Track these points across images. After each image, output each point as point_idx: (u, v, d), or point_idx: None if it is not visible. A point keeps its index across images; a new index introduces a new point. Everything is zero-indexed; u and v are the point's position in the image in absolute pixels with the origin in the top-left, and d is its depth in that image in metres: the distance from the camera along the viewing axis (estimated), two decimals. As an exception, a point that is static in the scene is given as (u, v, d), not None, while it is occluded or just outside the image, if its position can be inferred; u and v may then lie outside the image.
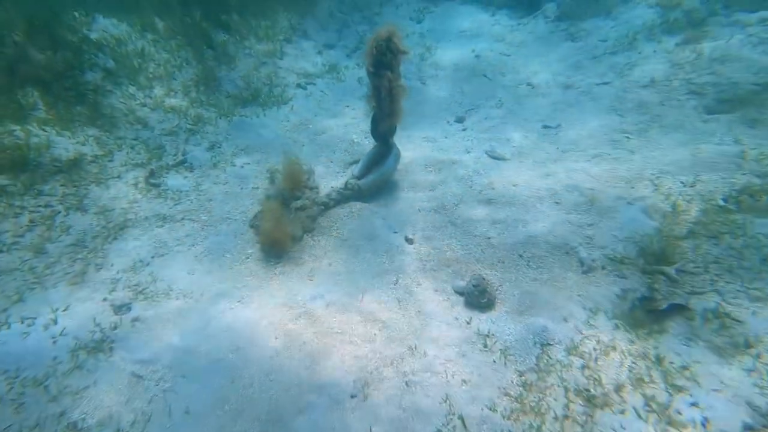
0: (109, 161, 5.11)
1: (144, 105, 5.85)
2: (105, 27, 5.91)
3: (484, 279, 3.95)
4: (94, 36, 5.76)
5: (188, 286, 4.23)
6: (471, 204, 5.17)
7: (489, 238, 4.63)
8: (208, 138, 6.23)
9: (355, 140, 6.52)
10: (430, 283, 4.28)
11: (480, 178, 5.57)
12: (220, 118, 6.57)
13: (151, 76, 6.12)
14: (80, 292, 3.83)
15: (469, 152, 6.14)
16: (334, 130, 6.77)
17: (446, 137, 6.56)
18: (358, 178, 5.44)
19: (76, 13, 5.59)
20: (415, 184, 5.66)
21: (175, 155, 5.71)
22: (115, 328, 3.57)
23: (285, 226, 4.63)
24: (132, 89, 5.84)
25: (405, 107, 7.14)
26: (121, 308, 3.74)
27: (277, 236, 4.55)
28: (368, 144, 6.39)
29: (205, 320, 3.91)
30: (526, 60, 8.25)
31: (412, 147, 6.35)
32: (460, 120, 6.94)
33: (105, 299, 3.82)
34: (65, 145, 4.74)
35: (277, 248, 4.61)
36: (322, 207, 5.23)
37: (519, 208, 4.96)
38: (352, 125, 6.87)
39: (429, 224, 4.98)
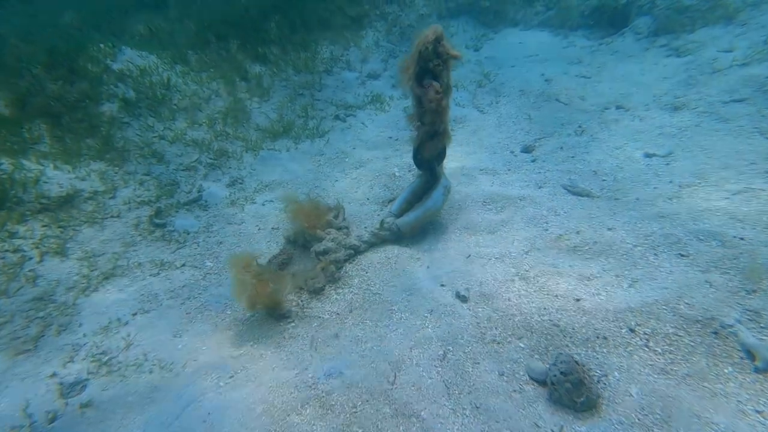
0: (110, 198, 4.72)
1: (162, 138, 5.57)
2: (131, 58, 5.92)
3: (577, 363, 2.72)
4: (116, 67, 5.71)
5: (170, 353, 3.45)
6: (547, 252, 4.01)
7: (578, 300, 3.41)
8: (230, 173, 5.77)
9: (397, 174, 5.72)
10: (493, 363, 3.11)
11: (558, 220, 4.43)
12: (247, 152, 6.15)
13: (175, 107, 5.92)
14: (24, 365, 3.18)
15: (541, 187, 5.05)
16: (372, 162, 6.06)
17: (510, 170, 5.55)
18: (396, 215, 4.55)
19: (102, 45, 5.58)
20: (471, 224, 4.64)
21: (188, 192, 5.24)
22: (53, 420, 2.79)
23: (266, 288, 3.70)
24: (151, 121, 5.60)
25: (459, 137, 6.46)
26: (73, 387, 3.01)
27: (263, 301, 3.67)
28: (411, 177, 5.55)
29: (180, 405, 3.05)
30: (613, 82, 7.24)
31: (466, 181, 5.41)
32: (527, 149, 5.94)
33: (54, 375, 3.13)
34: (60, 180, 4.42)
35: (274, 311, 3.75)
36: (351, 251, 4.36)
37: (622, 261, 3.73)
38: (394, 157, 6.12)
39: (490, 277, 3.88)
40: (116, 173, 4.94)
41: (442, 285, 3.89)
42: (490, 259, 4.12)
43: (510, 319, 3.40)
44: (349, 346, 3.44)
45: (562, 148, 5.82)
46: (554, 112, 6.77)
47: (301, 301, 3.98)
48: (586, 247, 3.91)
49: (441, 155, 4.62)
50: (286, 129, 6.63)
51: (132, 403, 3.02)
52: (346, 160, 6.20)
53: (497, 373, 3.02)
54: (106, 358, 3.28)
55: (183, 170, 5.49)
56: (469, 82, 7.78)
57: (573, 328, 3.15)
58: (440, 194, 4.51)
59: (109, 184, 4.79)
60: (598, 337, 3.04)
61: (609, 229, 4.08)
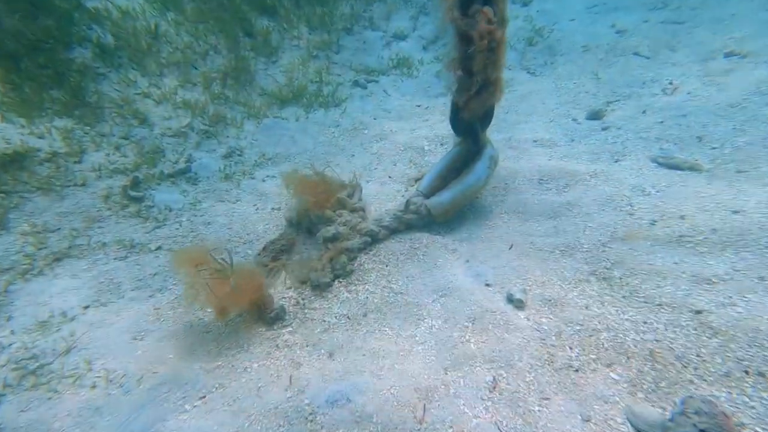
0: (75, 162, 4.00)
1: (147, 96, 4.83)
2: (112, -3, 5.13)
3: (726, 415, 1.77)
4: (91, 5, 4.96)
5: (123, 362, 2.68)
6: (636, 244, 3.05)
7: (699, 312, 2.44)
8: (228, 143, 4.99)
9: (426, 148, 4.82)
10: (571, 402, 2.20)
11: (648, 201, 3.45)
12: (248, 119, 5.36)
13: (164, 62, 5.15)
14: None
15: (618, 160, 4.06)
16: (397, 135, 5.16)
17: (573, 140, 4.56)
18: (426, 195, 3.65)
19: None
20: (523, 207, 3.72)
21: (175, 162, 4.48)
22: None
23: (225, 287, 2.86)
24: (133, 74, 4.86)
25: (504, 104, 5.44)
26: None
27: (237, 304, 2.86)
28: (444, 152, 4.65)
29: (122, 438, 2.27)
30: (717, 24, 6.09)
31: (515, 155, 4.46)
32: (595, 115, 4.91)
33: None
34: (9, 135, 3.68)
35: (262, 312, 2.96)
36: (367, 238, 3.51)
37: (760, 256, 2.72)
38: (423, 128, 5.22)
39: (555, 276, 2.96)
40: (86, 133, 4.21)
41: (488, 284, 2.98)
42: (552, 252, 3.18)
43: (591, 335, 2.47)
44: (360, 362, 2.60)
45: (645, 111, 4.75)
46: (631, 68, 5.67)
47: (303, 299, 3.16)
48: (700, 238, 2.92)
49: (488, 116, 3.70)
50: (296, 95, 5.80)
51: (59, 431, 2.25)
52: (365, 132, 5.32)
53: (579, 417, 2.11)
54: (35, 365, 2.54)
55: (171, 136, 4.73)
56: (517, 41, 6.73)
57: (699, 355, 2.20)
58: (484, 167, 3.58)
59: (76, 146, 4.06)
60: (747, 372, 2.08)
61: (735, 212, 3.07)
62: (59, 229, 3.50)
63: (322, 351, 2.73)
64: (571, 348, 2.44)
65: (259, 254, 3.54)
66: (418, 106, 5.69)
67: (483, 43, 3.00)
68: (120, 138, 4.39)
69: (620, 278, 2.81)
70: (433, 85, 6.13)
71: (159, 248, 3.66)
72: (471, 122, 3.54)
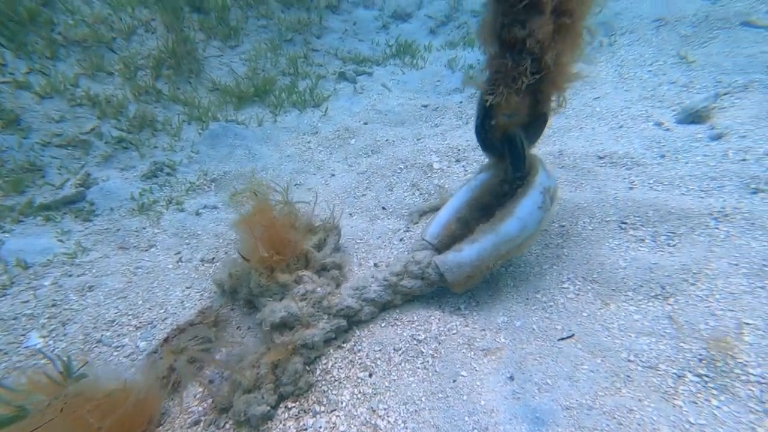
0: None
1: (22, 85, 3.63)
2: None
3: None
4: None
5: None
6: None
7: None
8: (153, 157, 3.80)
9: (436, 166, 3.59)
10: None
11: None
12: (189, 122, 4.18)
13: (60, 38, 3.97)
14: None
15: (759, 191, 2.80)
16: (395, 146, 3.96)
17: (664, 155, 3.31)
18: (436, 248, 2.45)
19: None
20: (600, 271, 2.46)
21: (59, 186, 3.29)
22: None
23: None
24: (4, 55, 3.68)
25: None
26: None
27: None
28: (463, 173, 3.45)
29: None
30: None
31: (571, 177, 3.23)
32: (694, 117, 3.60)
33: None
34: None
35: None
36: (341, 321, 2.30)
37: None
38: (432, 138, 4.01)
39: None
40: None
41: None
42: (682, 377, 1.91)
43: None
44: None
45: None
46: (741, 45, 4.38)
47: (216, 448, 1.92)
48: None
49: (539, 123, 2.46)
50: (260, 91, 4.62)
51: None
52: (352, 141, 4.11)
53: None
54: None
55: (59, 146, 3.53)
56: None
57: None
58: (534, 205, 2.30)
59: None
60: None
61: None
62: None
63: None
64: None
65: (156, 350, 2.31)
66: (425, 106, 4.47)
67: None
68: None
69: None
70: (445, 79, 4.93)
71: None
72: (511, 133, 2.33)
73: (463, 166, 3.56)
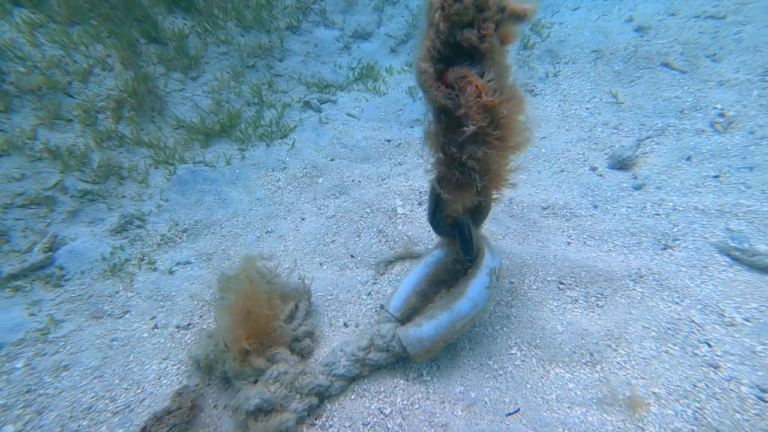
0: None
1: None
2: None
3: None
4: None
5: None
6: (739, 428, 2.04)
7: None
8: (122, 208, 3.65)
9: (400, 211, 3.63)
10: None
11: (738, 341, 2.44)
12: (156, 167, 4.00)
13: (12, 88, 3.67)
14: None
15: (668, 247, 3.00)
16: (362, 187, 3.95)
17: (596, 206, 3.47)
18: (399, 319, 2.54)
19: None
20: (541, 337, 2.62)
21: (26, 251, 3.14)
22: None
23: None
24: None
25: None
26: None
27: None
28: (421, 215, 3.51)
29: None
30: None
31: (518, 228, 3.35)
32: (622, 163, 3.80)
33: None
34: None
35: None
36: (313, 400, 2.36)
37: None
38: (395, 178, 4.02)
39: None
40: None
41: None
42: (604, 446, 2.11)
43: None
44: None
45: (690, 158, 3.69)
46: (661, 87, 4.50)
47: None
48: None
49: (482, 212, 2.55)
50: (226, 126, 4.44)
51: None
52: (320, 181, 4.06)
53: None
54: None
55: (22, 206, 3.34)
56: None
57: None
58: (482, 286, 2.42)
59: None
60: None
61: None
62: None
63: None
64: None
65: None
66: (388, 141, 4.44)
67: (471, 125, 1.82)
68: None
69: None
70: (406, 107, 4.88)
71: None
72: (459, 222, 2.41)
73: (425, 209, 3.61)
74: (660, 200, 3.35)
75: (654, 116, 4.22)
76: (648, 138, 3.99)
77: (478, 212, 2.49)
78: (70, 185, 3.57)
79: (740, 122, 3.90)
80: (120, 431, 2.36)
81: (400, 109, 4.88)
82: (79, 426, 2.39)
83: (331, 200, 3.87)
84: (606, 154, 3.95)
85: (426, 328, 2.40)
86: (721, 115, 3.98)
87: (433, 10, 1.72)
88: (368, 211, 3.68)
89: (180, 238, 3.58)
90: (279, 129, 4.61)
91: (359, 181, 4.01)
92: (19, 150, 3.47)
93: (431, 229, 2.53)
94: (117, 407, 2.48)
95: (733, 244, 2.87)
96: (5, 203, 3.23)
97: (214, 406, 2.48)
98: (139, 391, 2.56)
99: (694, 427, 2.12)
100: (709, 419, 2.14)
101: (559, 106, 4.62)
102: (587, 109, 4.51)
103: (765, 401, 2.18)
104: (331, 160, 4.29)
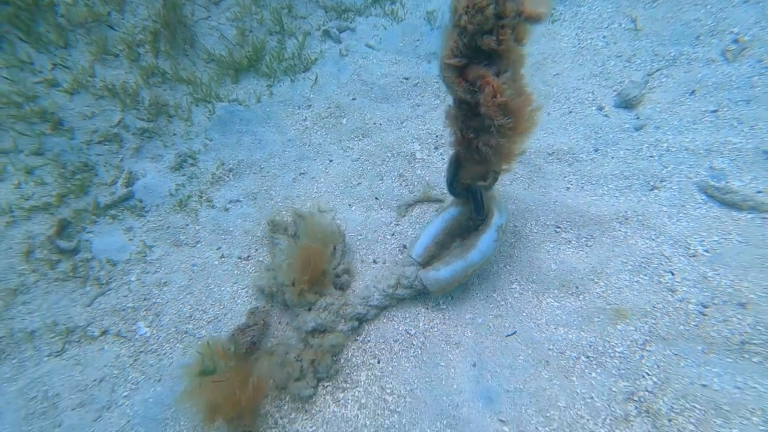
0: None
1: (53, 84, 3.53)
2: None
3: None
4: None
5: None
6: (689, 349, 2.59)
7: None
8: (175, 146, 3.90)
9: (418, 155, 3.85)
10: None
11: (696, 269, 2.87)
12: (197, 105, 4.13)
13: (65, 22, 3.66)
14: None
15: (655, 188, 3.27)
16: (381, 130, 4.11)
17: (597, 149, 3.65)
18: (421, 263, 2.98)
19: None
20: (537, 274, 3.07)
21: (111, 184, 3.50)
22: None
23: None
24: (23, 49, 3.48)
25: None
26: None
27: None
28: (439, 162, 3.74)
29: None
30: None
31: (525, 174, 3.61)
32: (628, 101, 3.76)
33: None
34: None
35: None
36: (355, 323, 2.93)
37: None
38: (413, 120, 4.14)
39: (582, 404, 2.51)
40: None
41: (502, 420, 2.53)
42: (578, 359, 2.67)
43: None
44: None
45: (694, 92, 3.62)
46: (683, 8, 4.10)
47: (281, 416, 2.69)
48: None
49: (492, 180, 2.81)
50: (252, 58, 4.42)
51: None
52: (344, 122, 4.19)
53: None
54: None
55: (98, 142, 3.60)
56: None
57: None
58: (490, 240, 2.83)
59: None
60: None
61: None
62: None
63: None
64: None
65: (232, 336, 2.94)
66: (406, 78, 4.42)
67: (487, 120, 2.03)
68: (30, 155, 3.30)
69: (668, 413, 2.38)
70: (424, 37, 4.73)
71: (105, 332, 3.00)
72: (473, 188, 2.70)
73: (441, 153, 3.83)
74: (656, 141, 3.49)
75: (669, 44, 4.03)
76: (657, 71, 3.90)
77: (490, 179, 2.77)
78: (130, 123, 3.78)
79: (752, 48, 3.72)
80: (215, 334, 2.98)
81: (418, 39, 4.74)
82: (187, 328, 3.00)
83: (355, 142, 4.06)
84: (615, 90, 3.93)
85: (443, 272, 2.86)
86: (736, 41, 3.74)
87: (458, 15, 1.83)
88: (389, 155, 3.90)
89: (228, 177, 3.89)
90: (301, 62, 4.57)
91: (380, 124, 4.14)
92: (85, 88, 3.62)
93: (448, 191, 2.83)
94: (209, 318, 3.08)
95: (712, 183, 3.09)
96: (87, 140, 3.49)
97: (279, 323, 3.07)
98: (221, 307, 3.13)
99: (647, 337, 2.66)
100: (660, 331, 2.67)
101: (576, 34, 4.43)
102: (604, 37, 4.31)
103: (704, 314, 2.67)
104: (353, 99, 4.35)
